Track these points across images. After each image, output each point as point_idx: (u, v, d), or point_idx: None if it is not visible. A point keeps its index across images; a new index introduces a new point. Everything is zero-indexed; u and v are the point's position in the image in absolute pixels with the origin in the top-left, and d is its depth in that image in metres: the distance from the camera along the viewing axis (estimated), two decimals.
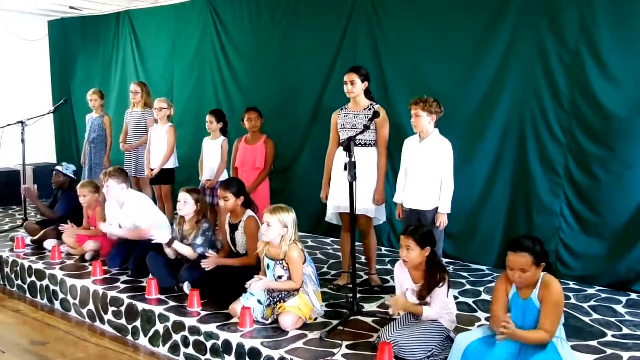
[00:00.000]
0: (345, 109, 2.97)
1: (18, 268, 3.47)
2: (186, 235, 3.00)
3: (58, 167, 3.95)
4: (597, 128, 2.95)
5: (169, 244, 2.90)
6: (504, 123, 3.25)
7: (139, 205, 3.30)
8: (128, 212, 3.27)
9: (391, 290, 2.88)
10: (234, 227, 2.89)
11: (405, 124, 2.84)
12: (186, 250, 2.92)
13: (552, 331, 1.85)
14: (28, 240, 3.78)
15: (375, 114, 2.80)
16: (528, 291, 1.95)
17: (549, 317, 1.86)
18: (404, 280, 2.29)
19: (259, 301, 2.52)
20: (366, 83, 2.91)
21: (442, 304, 2.18)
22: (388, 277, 3.12)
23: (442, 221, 2.66)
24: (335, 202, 2.87)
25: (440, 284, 2.16)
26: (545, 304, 1.88)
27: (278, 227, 2.46)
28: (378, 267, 3.22)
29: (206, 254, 2.83)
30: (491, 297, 2.08)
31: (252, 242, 2.75)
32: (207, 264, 2.75)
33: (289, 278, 2.51)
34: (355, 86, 2.87)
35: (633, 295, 2.86)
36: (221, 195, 2.85)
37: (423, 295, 2.19)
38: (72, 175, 3.97)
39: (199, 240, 2.93)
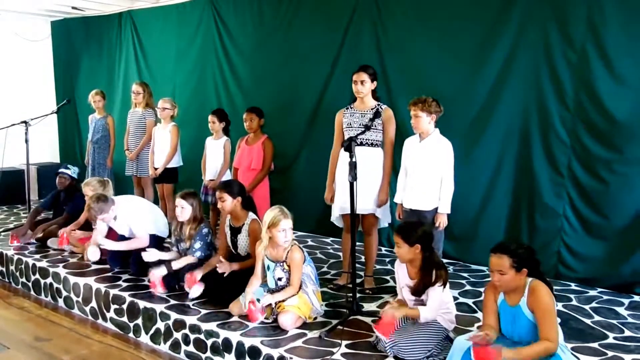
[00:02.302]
0: (351, 108, 2.94)
1: (23, 266, 3.51)
2: (184, 238, 3.00)
3: (64, 170, 3.93)
4: (602, 129, 2.93)
5: (168, 269, 2.84)
6: (507, 123, 3.23)
7: (130, 211, 3.28)
8: (122, 221, 3.27)
9: (386, 291, 2.89)
10: (236, 230, 2.88)
11: (408, 125, 2.83)
12: (185, 261, 2.89)
13: (555, 338, 1.84)
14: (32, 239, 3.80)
15: (377, 114, 2.79)
16: (516, 298, 1.93)
17: (547, 325, 1.84)
18: (401, 276, 2.29)
19: (258, 300, 2.52)
20: (375, 83, 2.90)
21: (439, 303, 2.17)
22: (388, 277, 3.12)
23: (441, 221, 2.66)
24: (342, 203, 2.84)
25: (437, 283, 2.15)
26: (538, 313, 1.86)
27: (290, 228, 2.47)
28: (378, 267, 3.22)
29: (218, 264, 2.76)
30: (482, 306, 2.07)
31: (255, 246, 2.74)
32: (223, 269, 2.73)
33: (288, 280, 2.51)
34: (365, 86, 2.85)
35: (636, 298, 2.84)
36: (218, 196, 2.84)
37: (418, 291, 2.19)
38: (77, 177, 3.98)
39: (198, 245, 2.94)
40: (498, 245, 1.96)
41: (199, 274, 2.76)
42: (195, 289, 2.73)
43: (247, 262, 2.78)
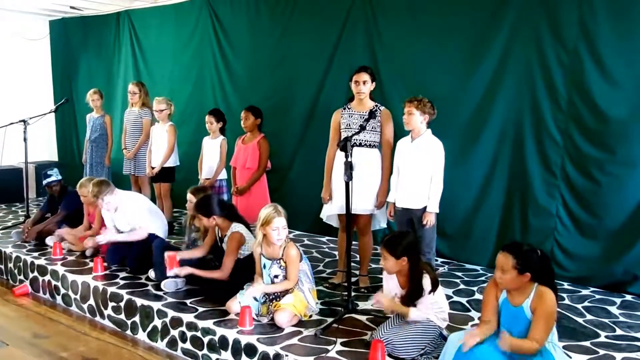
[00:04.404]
0: (349, 108, 2.95)
1: (21, 264, 3.52)
2: (196, 238, 3.07)
3: (49, 180, 3.88)
4: (594, 129, 2.96)
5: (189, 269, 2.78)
6: (501, 123, 3.26)
7: (132, 205, 3.33)
8: (123, 214, 3.31)
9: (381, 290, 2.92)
10: (221, 239, 2.90)
11: (402, 125, 2.85)
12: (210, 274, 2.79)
13: (541, 342, 1.86)
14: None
15: (371, 114, 2.81)
16: (520, 299, 1.94)
17: (540, 328, 1.86)
18: (391, 285, 2.31)
19: (254, 298, 2.55)
20: (374, 83, 2.91)
21: (428, 307, 2.19)
22: (383, 277, 3.14)
23: (429, 220, 2.68)
24: (340, 203, 2.83)
25: (426, 293, 2.16)
26: (537, 315, 1.88)
27: (284, 226, 2.49)
28: (374, 266, 3.24)
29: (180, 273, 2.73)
30: (482, 300, 2.08)
31: (229, 258, 2.74)
32: (182, 272, 2.71)
33: (285, 277, 2.54)
34: (366, 86, 2.85)
35: (628, 297, 2.87)
36: (197, 215, 2.86)
37: (408, 302, 2.20)
38: (62, 176, 3.97)
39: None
40: (509, 244, 1.97)
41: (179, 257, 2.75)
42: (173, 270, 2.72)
43: (212, 273, 2.73)
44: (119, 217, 3.34)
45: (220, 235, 2.92)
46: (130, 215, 3.28)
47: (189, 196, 3.06)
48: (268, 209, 2.51)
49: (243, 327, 2.42)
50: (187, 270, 2.75)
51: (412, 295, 2.19)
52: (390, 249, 2.19)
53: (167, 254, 2.77)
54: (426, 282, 2.17)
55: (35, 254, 3.55)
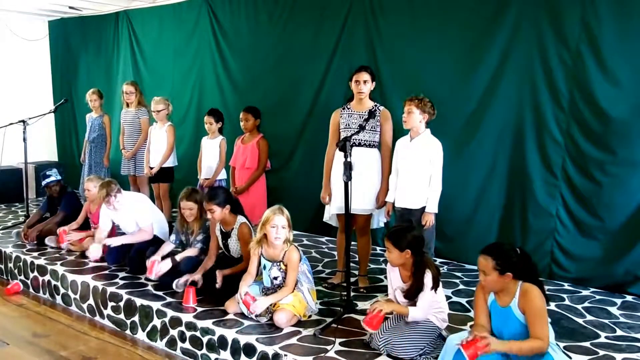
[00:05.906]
0: (349, 108, 2.94)
1: (21, 263, 3.53)
2: (191, 234, 3.07)
3: (48, 180, 3.89)
4: (595, 129, 2.95)
5: (173, 262, 2.90)
6: (501, 123, 3.25)
7: (135, 204, 3.34)
8: (126, 214, 3.31)
9: (379, 290, 2.91)
10: (226, 234, 2.90)
11: (401, 125, 2.85)
12: (187, 253, 2.98)
13: (546, 338, 1.86)
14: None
15: (371, 114, 2.81)
16: (507, 299, 1.95)
17: (537, 325, 1.86)
18: (394, 279, 2.31)
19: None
20: (374, 83, 2.91)
21: (429, 304, 2.19)
22: (382, 277, 3.14)
23: (428, 221, 2.67)
24: (340, 203, 2.82)
25: (428, 288, 2.16)
26: (530, 314, 1.88)
27: (287, 225, 2.49)
28: (373, 266, 3.24)
29: (217, 276, 2.75)
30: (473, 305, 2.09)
31: (246, 248, 2.75)
32: (219, 284, 2.73)
33: (284, 279, 2.53)
34: (366, 85, 2.85)
35: (628, 298, 2.86)
36: (206, 208, 2.82)
37: (411, 295, 2.21)
38: (61, 177, 3.98)
39: (200, 237, 3.02)
40: (486, 247, 1.98)
41: (165, 263, 2.85)
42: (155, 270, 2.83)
43: (239, 266, 2.79)
44: (122, 217, 3.33)
45: (223, 229, 2.91)
46: (139, 216, 3.28)
47: (189, 204, 2.98)
48: (271, 208, 2.52)
49: (187, 304, 2.47)
50: (221, 276, 2.74)
51: (414, 290, 2.18)
52: (395, 241, 2.19)
53: (187, 289, 2.74)
54: (428, 278, 2.17)
55: (35, 254, 3.56)
